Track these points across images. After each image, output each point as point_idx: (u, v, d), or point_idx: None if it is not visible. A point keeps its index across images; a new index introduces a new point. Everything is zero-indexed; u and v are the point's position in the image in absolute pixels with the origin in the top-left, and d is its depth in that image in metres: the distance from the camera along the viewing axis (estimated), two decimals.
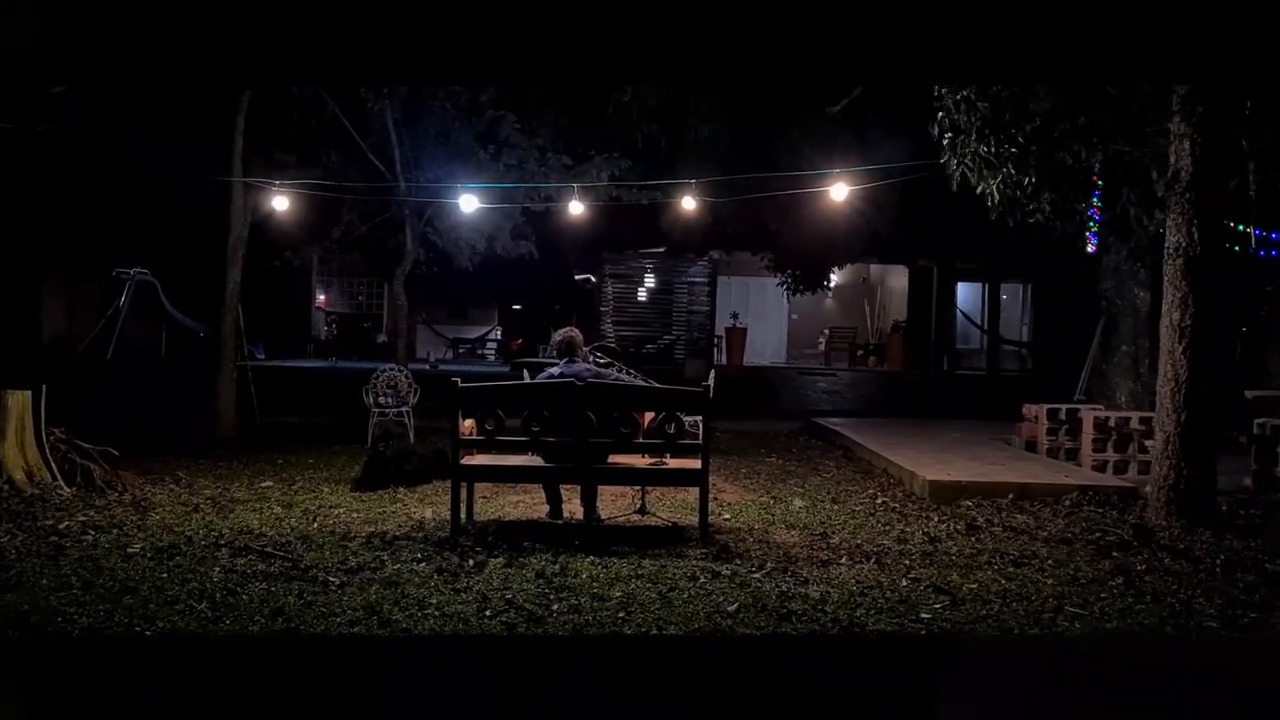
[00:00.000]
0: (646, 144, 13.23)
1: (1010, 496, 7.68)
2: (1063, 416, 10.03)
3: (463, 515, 6.56)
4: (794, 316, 24.34)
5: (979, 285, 23.38)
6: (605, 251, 21.77)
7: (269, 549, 5.75)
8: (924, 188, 15.45)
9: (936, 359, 21.42)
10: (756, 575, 5.42)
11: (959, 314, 22.74)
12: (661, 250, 21.30)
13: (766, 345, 23.03)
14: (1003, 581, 5.38)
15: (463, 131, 12.24)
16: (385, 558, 5.63)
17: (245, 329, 27.72)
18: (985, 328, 21.32)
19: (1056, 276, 20.74)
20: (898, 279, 23.58)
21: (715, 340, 21.70)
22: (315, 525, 6.53)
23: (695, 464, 6.38)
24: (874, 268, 23.87)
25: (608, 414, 6.26)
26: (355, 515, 6.90)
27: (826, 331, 23.72)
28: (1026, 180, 7.24)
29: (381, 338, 28.60)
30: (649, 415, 6.60)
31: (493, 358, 31.52)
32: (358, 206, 12.80)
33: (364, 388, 11.45)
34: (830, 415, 14.29)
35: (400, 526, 6.53)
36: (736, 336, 20.91)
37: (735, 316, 21.13)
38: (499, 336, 33.31)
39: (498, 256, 14.85)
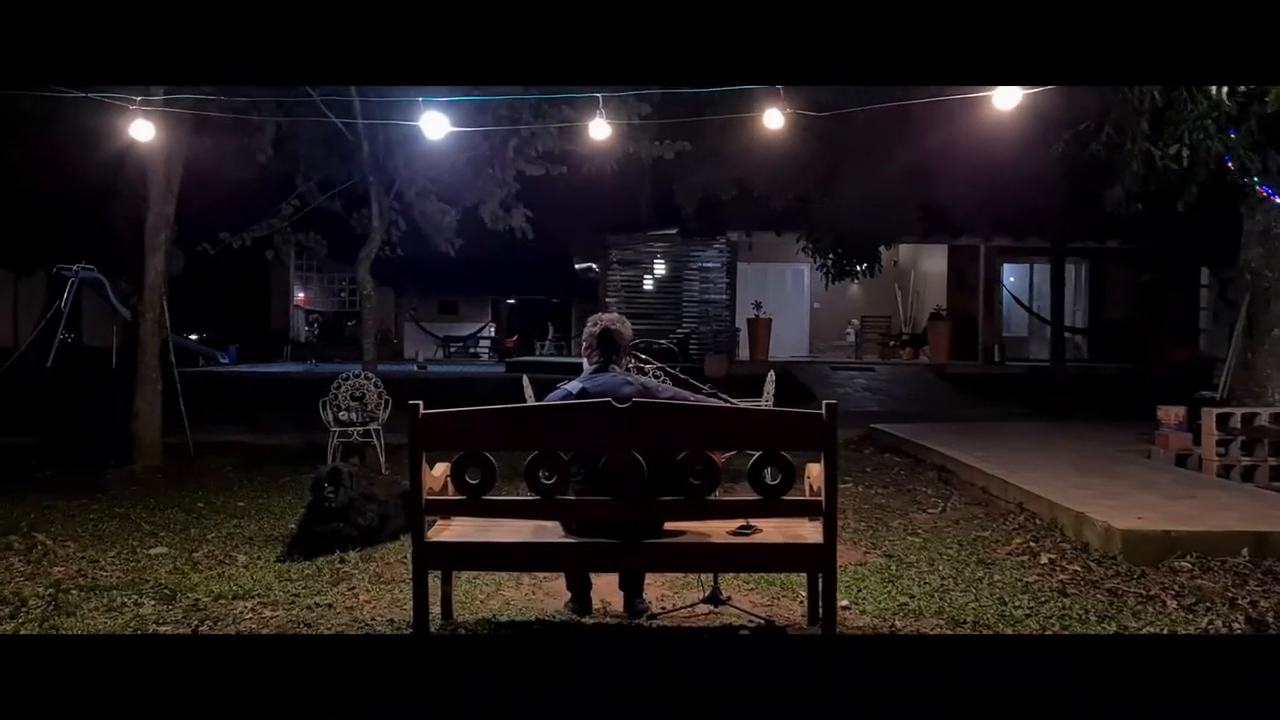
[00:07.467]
0: (667, 96, 10.78)
1: (1245, 554, 5.22)
2: (1236, 424, 7.61)
3: (435, 612, 4.14)
4: (816, 305, 21.92)
5: (1025, 266, 20.99)
6: (610, 235, 19.33)
7: None
8: (978, 155, 13.10)
9: (988, 349, 19.00)
10: None
11: (1008, 297, 20.36)
12: (673, 232, 18.85)
13: (788, 337, 20.56)
14: None
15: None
16: None
17: (218, 331, 25.12)
18: (1042, 314, 18.95)
19: (1120, 252, 18.47)
20: (932, 261, 21.14)
21: (735, 333, 19.28)
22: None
23: (812, 533, 3.91)
24: (904, 249, 21.34)
25: (669, 455, 3.81)
26: (266, 615, 4.42)
27: (855, 321, 21.31)
28: None
29: None
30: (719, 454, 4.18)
31: (486, 356, 29.18)
32: (314, 172, 10.34)
33: (321, 400, 9.05)
34: (890, 420, 11.83)
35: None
36: (761, 328, 18.41)
37: (758, 306, 18.61)
38: (493, 333, 31.05)
39: (489, 244, 12.35)
